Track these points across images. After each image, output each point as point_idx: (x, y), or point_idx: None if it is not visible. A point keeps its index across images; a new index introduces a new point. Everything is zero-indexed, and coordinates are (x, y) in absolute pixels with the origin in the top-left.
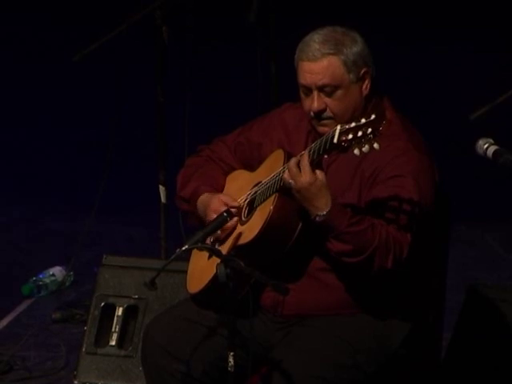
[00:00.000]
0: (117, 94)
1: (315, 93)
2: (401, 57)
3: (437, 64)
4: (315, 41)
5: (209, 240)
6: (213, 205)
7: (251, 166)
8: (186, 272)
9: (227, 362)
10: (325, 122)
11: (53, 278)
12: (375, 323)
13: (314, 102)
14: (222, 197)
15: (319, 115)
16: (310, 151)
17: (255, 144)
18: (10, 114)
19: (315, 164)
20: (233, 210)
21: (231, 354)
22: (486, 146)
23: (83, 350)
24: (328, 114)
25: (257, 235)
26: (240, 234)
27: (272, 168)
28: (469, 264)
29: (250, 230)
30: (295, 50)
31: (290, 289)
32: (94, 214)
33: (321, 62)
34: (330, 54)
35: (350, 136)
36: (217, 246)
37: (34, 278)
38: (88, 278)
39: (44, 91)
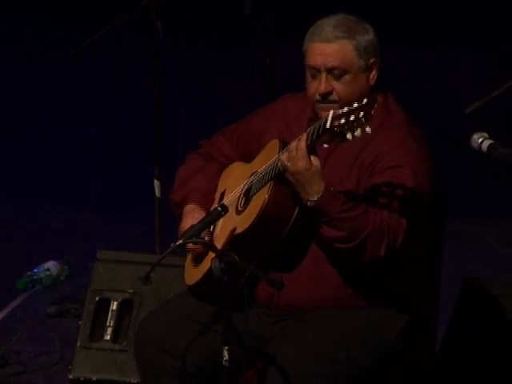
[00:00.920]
0: (116, 93)
1: (323, 74)
2: (401, 57)
3: (437, 64)
4: (329, 24)
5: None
6: (189, 220)
7: (252, 157)
8: (180, 266)
9: (222, 356)
10: (329, 105)
11: (48, 273)
12: (370, 317)
13: (322, 84)
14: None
15: (325, 97)
16: (307, 135)
17: (256, 134)
18: (10, 113)
19: (310, 150)
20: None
21: (226, 348)
22: (480, 140)
23: (78, 344)
24: (334, 97)
25: (252, 224)
26: (236, 224)
27: (268, 158)
28: (464, 258)
29: (245, 220)
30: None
31: (286, 281)
32: (91, 210)
33: (333, 44)
34: (342, 37)
35: (343, 121)
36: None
37: (29, 273)
38: (83, 273)
39: (44, 91)
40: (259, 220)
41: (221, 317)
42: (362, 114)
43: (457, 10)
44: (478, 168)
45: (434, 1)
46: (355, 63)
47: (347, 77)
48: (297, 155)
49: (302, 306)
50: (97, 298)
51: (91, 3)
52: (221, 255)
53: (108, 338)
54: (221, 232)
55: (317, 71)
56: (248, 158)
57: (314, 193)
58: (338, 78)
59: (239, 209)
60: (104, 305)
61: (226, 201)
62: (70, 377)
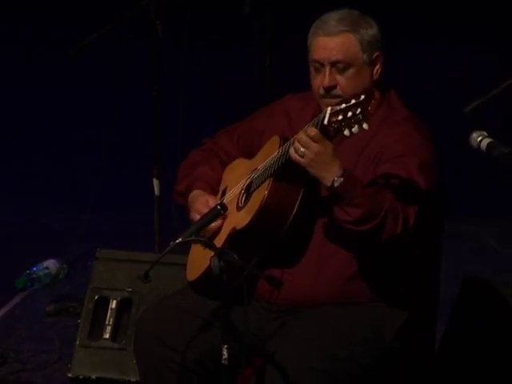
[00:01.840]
0: (116, 93)
1: (327, 68)
2: (400, 56)
3: (437, 63)
4: (333, 18)
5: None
6: (197, 204)
7: (253, 155)
8: (179, 265)
9: (221, 352)
10: (332, 100)
11: (47, 271)
12: (370, 315)
13: (326, 78)
14: (211, 199)
15: (329, 91)
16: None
17: (258, 133)
18: (10, 114)
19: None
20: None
21: (225, 347)
22: (479, 138)
23: (77, 342)
24: (337, 91)
25: (251, 220)
26: (237, 220)
27: (268, 154)
28: (464, 258)
29: (246, 215)
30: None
31: (286, 276)
32: (90, 210)
33: (337, 37)
34: (346, 31)
35: (340, 117)
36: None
37: (28, 271)
38: (82, 271)
39: (44, 91)
40: (258, 216)
41: (220, 314)
42: (359, 110)
43: (457, 10)
44: (478, 168)
45: (434, 1)
46: (359, 57)
47: (351, 70)
48: (310, 140)
49: (302, 302)
50: (96, 297)
51: (91, 3)
52: (220, 253)
53: (107, 336)
54: (222, 228)
55: (321, 65)
56: (250, 156)
57: (337, 170)
58: (341, 71)
59: (240, 205)
60: (103, 303)
61: (227, 197)
62: (70, 375)
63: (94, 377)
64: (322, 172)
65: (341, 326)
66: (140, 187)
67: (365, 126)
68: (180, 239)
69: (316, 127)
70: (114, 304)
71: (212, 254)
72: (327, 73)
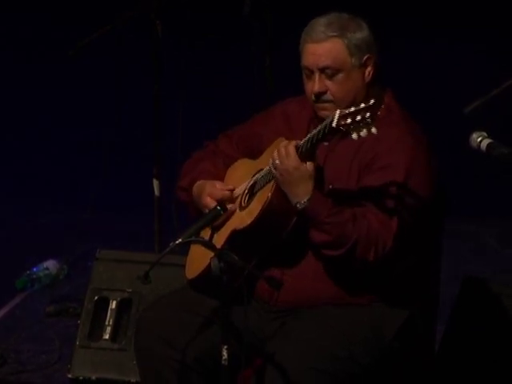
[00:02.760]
0: (116, 93)
1: (317, 75)
2: (400, 56)
3: (436, 63)
4: (320, 23)
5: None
6: (207, 189)
7: (255, 157)
8: (179, 265)
9: (220, 352)
10: (325, 105)
11: (47, 272)
12: (370, 315)
13: (316, 84)
14: (217, 183)
15: (319, 97)
16: (308, 137)
17: (257, 135)
18: (10, 114)
19: (308, 154)
20: (226, 194)
21: (225, 347)
22: (479, 139)
23: (77, 343)
24: (328, 96)
25: (254, 220)
26: (238, 220)
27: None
28: (464, 258)
29: (248, 216)
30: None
31: (286, 277)
32: (90, 210)
33: (324, 43)
34: (333, 36)
35: (349, 120)
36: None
37: (28, 272)
38: (82, 272)
39: (44, 91)
40: (261, 217)
41: (220, 315)
42: (368, 114)
43: (457, 10)
44: (478, 168)
45: (433, 1)
46: (347, 62)
47: (340, 75)
48: (285, 153)
49: (301, 303)
50: (96, 297)
51: (91, 3)
52: (220, 254)
53: (107, 337)
54: (223, 227)
55: (310, 71)
56: (251, 157)
57: (302, 193)
58: (331, 77)
59: (242, 205)
60: (103, 304)
61: None
62: (69, 376)
63: (93, 377)
64: (287, 189)
65: (341, 325)
66: (140, 187)
67: (373, 130)
68: (180, 240)
69: (313, 139)
70: (113, 304)
71: (211, 253)
72: (317, 79)
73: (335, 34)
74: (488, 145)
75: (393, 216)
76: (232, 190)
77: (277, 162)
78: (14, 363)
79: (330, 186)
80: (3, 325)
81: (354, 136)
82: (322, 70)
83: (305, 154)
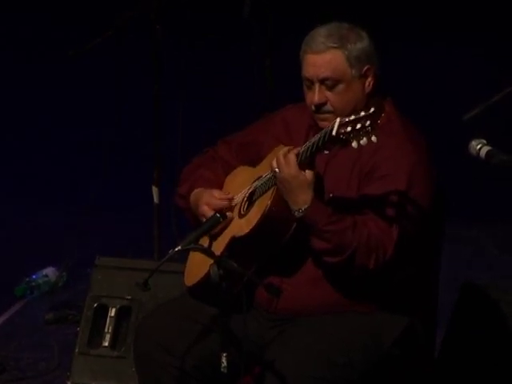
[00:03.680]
0: (116, 93)
1: (316, 85)
2: (398, 60)
3: (435, 67)
4: (320, 34)
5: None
6: (204, 198)
7: (255, 165)
8: (179, 273)
9: (220, 359)
10: (325, 115)
11: (46, 279)
12: (370, 322)
13: (315, 95)
14: (215, 191)
15: (319, 108)
16: (308, 145)
17: (257, 143)
18: (10, 114)
19: (307, 162)
20: (224, 203)
21: (224, 354)
22: (478, 146)
23: (76, 350)
24: (328, 107)
25: (253, 228)
26: (238, 227)
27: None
28: (464, 264)
29: (247, 224)
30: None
31: (285, 285)
32: (90, 213)
33: (324, 54)
34: (333, 47)
35: (349, 129)
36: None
37: (27, 279)
38: (81, 279)
39: (44, 91)
40: (260, 225)
41: (219, 322)
42: (368, 122)
43: (455, 13)
44: (478, 172)
45: (432, 4)
46: (347, 73)
47: (340, 86)
48: (284, 161)
49: (301, 311)
50: (95, 305)
51: (91, 3)
52: (219, 261)
53: (106, 344)
54: (222, 235)
55: (311, 82)
56: (250, 165)
57: (301, 202)
58: (331, 88)
59: (241, 212)
60: (102, 311)
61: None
62: (69, 383)
63: None
64: (287, 197)
65: (340, 332)
66: (140, 188)
67: (373, 138)
68: (179, 247)
69: (313, 147)
70: (113, 312)
71: (210, 260)
72: (316, 90)
73: (335, 45)
74: (487, 152)
75: (393, 224)
76: (230, 199)
77: (276, 170)
78: (14, 370)
79: (331, 195)
80: (2, 332)
81: (354, 144)
82: (322, 81)
83: (304, 162)
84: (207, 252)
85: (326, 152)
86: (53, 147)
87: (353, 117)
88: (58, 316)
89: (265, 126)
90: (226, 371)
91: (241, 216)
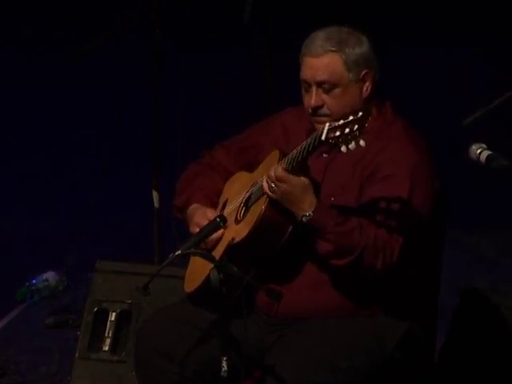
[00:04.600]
0: (116, 93)
1: (314, 88)
2: (398, 61)
3: (435, 68)
4: (319, 37)
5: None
6: (196, 217)
7: (253, 169)
8: (179, 277)
9: (220, 363)
10: (321, 118)
11: (46, 283)
12: (371, 325)
13: (312, 98)
14: (209, 212)
15: (316, 111)
16: (299, 150)
17: (257, 146)
18: (10, 114)
19: (300, 167)
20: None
21: (224, 359)
22: (479, 151)
23: (76, 355)
24: (325, 110)
25: (249, 233)
26: (235, 233)
27: (268, 167)
28: (464, 268)
29: (244, 228)
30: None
31: (285, 290)
32: (89, 219)
33: (322, 58)
34: (331, 51)
35: (338, 133)
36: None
37: (28, 283)
38: (81, 283)
39: (44, 91)
40: (256, 229)
41: (219, 326)
42: (356, 126)
43: (455, 13)
44: (478, 177)
45: (432, 5)
46: (344, 77)
47: (337, 90)
48: (276, 179)
49: (301, 315)
50: (95, 309)
51: (91, 4)
52: (219, 266)
53: (106, 348)
54: (220, 240)
55: (308, 85)
56: (249, 170)
57: (306, 207)
58: (328, 91)
59: (238, 218)
60: (102, 315)
61: (227, 210)
62: None
63: None
64: (291, 207)
65: (342, 336)
66: (140, 191)
67: (361, 142)
68: (179, 251)
69: (304, 152)
70: (113, 316)
71: (210, 265)
72: (313, 93)
73: (333, 48)
74: (488, 157)
75: (398, 225)
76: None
77: (273, 186)
78: (14, 374)
79: (332, 199)
80: (3, 336)
81: (343, 149)
82: (319, 85)
83: (296, 168)
84: (207, 256)
85: (325, 155)
86: (53, 148)
87: (342, 121)
88: (58, 320)
89: (265, 128)
90: (226, 375)
91: (238, 221)
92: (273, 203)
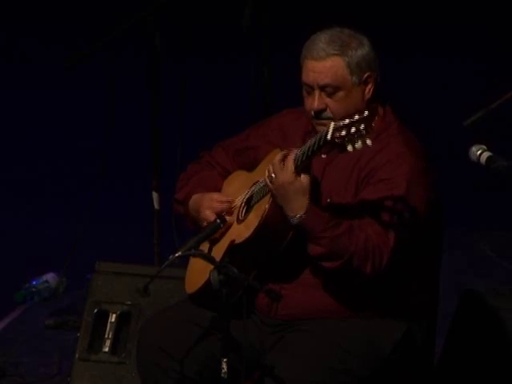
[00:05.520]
0: (116, 95)
1: (316, 92)
2: (399, 66)
3: (436, 73)
4: (321, 40)
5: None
6: (205, 202)
7: (252, 169)
8: (179, 278)
9: (220, 364)
10: (324, 121)
11: (46, 285)
12: (369, 328)
13: (315, 101)
14: (215, 194)
15: (319, 114)
16: (303, 149)
17: (254, 147)
18: (10, 114)
19: (303, 167)
20: (225, 206)
21: (224, 360)
22: (479, 152)
23: (76, 356)
24: (328, 114)
25: (252, 233)
26: (236, 233)
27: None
28: (463, 270)
29: (246, 229)
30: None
31: (285, 291)
32: (89, 220)
33: (325, 61)
34: (334, 54)
35: (344, 132)
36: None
37: (28, 285)
38: (81, 285)
39: (44, 91)
40: (259, 230)
41: (220, 328)
42: (362, 126)
43: (457, 20)
44: (478, 179)
45: (433, 10)
46: (347, 80)
47: (340, 93)
48: (280, 167)
49: (300, 316)
50: (95, 310)
51: (91, 3)
52: (219, 267)
53: (107, 350)
54: (221, 241)
55: (311, 88)
56: (248, 170)
57: (296, 208)
58: (330, 94)
59: (240, 218)
60: (102, 317)
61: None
62: None
63: None
64: (283, 203)
65: (339, 338)
66: (140, 193)
67: (368, 141)
68: (179, 253)
69: (309, 151)
70: (113, 317)
71: (210, 266)
72: (316, 96)
73: (336, 52)
74: (488, 158)
75: (390, 229)
76: (230, 201)
77: (272, 175)
78: (14, 376)
79: (329, 200)
80: (3, 337)
81: (349, 148)
82: (322, 88)
83: (299, 167)
84: (207, 258)
85: (324, 156)
86: (53, 149)
87: (347, 121)
88: (58, 322)
89: (261, 130)
90: (226, 376)
91: (239, 221)
92: (276, 203)
